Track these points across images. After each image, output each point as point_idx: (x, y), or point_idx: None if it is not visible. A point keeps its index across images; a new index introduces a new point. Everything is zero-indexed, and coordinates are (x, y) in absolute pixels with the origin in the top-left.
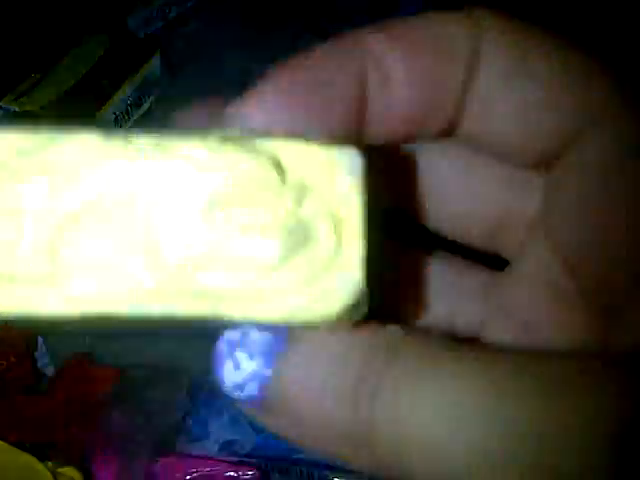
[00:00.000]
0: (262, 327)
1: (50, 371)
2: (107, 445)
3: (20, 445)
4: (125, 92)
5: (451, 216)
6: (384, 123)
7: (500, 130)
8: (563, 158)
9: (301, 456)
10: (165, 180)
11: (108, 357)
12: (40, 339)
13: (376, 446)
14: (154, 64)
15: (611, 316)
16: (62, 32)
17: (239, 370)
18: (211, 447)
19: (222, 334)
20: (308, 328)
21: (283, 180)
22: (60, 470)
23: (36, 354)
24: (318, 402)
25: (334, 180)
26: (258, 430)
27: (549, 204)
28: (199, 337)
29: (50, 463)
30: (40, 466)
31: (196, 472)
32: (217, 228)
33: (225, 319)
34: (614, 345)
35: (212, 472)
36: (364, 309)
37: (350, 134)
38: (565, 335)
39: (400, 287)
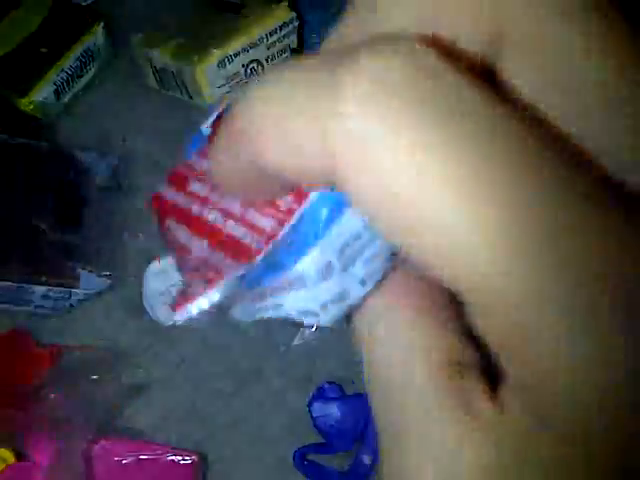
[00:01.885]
0: None
1: None
2: (42, 427)
3: None
4: (66, 62)
5: None
6: None
7: None
8: None
9: None
10: None
11: (45, 336)
12: None
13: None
14: (97, 33)
15: None
16: None
17: None
18: None
19: None
20: None
21: None
22: None
23: None
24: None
25: None
26: None
27: None
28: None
29: None
30: None
31: (134, 455)
32: None
33: None
34: None
35: (151, 456)
36: None
37: None
38: None
39: None
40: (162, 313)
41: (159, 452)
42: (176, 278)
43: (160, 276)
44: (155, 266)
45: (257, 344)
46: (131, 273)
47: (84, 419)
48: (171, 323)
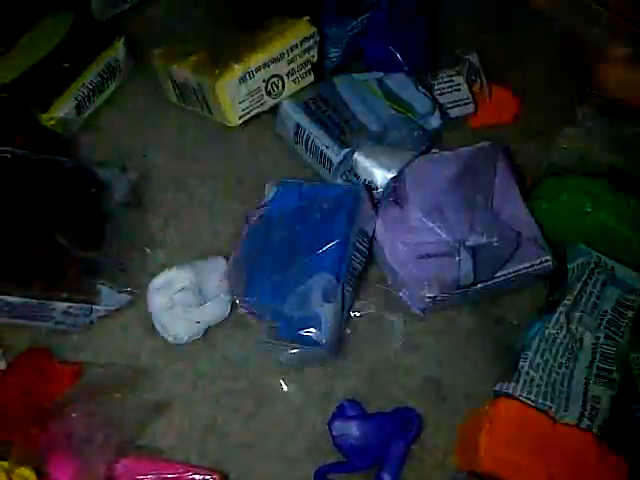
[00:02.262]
0: None
1: (2, 365)
2: (64, 445)
3: None
4: (87, 77)
5: None
6: None
7: None
8: None
9: None
10: None
11: (66, 352)
12: None
13: None
14: (118, 48)
15: None
16: (25, 6)
17: None
18: None
19: None
20: None
21: None
22: (16, 470)
23: None
24: None
25: None
26: None
27: None
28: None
29: (5, 463)
30: None
31: (156, 474)
32: None
33: None
34: None
35: (173, 475)
36: None
37: None
38: None
39: None
40: (175, 327)
41: (180, 471)
42: (177, 287)
43: (163, 290)
44: (158, 281)
45: (277, 360)
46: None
47: (105, 438)
48: (185, 340)
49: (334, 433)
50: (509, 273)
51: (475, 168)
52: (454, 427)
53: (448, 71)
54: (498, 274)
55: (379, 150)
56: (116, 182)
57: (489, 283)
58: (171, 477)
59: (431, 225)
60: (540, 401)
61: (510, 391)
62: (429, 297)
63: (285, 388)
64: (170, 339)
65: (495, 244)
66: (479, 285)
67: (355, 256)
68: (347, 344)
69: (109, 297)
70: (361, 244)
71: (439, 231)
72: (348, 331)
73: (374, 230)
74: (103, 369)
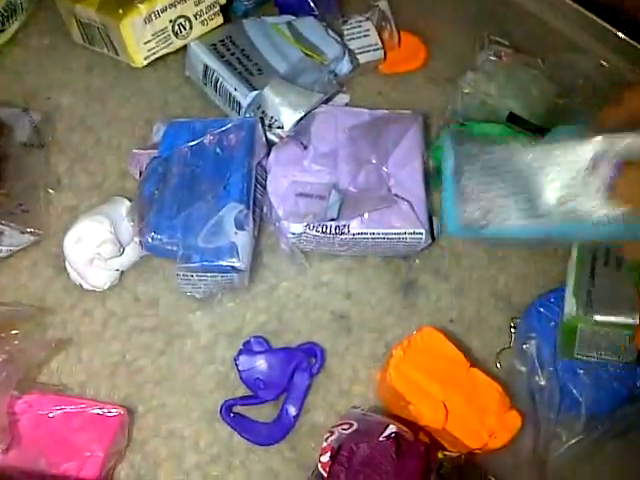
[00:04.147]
0: None
1: None
2: None
3: None
4: None
5: None
6: None
7: None
8: None
9: None
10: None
11: None
12: None
13: None
14: None
15: None
16: None
17: None
18: None
19: None
20: None
21: None
22: None
23: None
24: None
25: None
26: None
27: None
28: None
29: None
30: None
31: (59, 409)
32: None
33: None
34: None
35: (76, 409)
36: None
37: None
38: None
39: None
40: (97, 279)
41: (84, 405)
42: (97, 240)
43: (81, 243)
44: (73, 233)
45: (187, 298)
46: (57, 229)
47: (7, 375)
48: (109, 286)
49: (240, 368)
50: (380, 234)
51: (383, 130)
52: (359, 356)
53: (358, 17)
54: (368, 234)
55: (289, 88)
56: (17, 122)
57: (361, 241)
58: (74, 411)
59: (319, 168)
60: None
61: None
62: (292, 233)
63: (195, 325)
64: (88, 287)
65: (367, 195)
66: (348, 236)
67: (257, 187)
68: (258, 279)
69: (12, 237)
70: (260, 175)
71: (325, 175)
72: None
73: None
74: (5, 307)
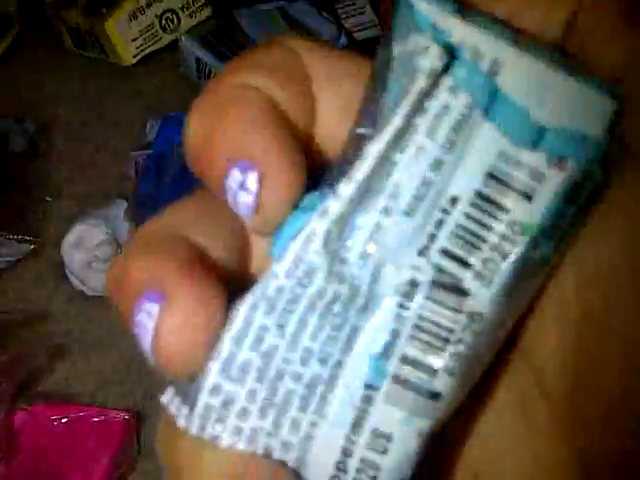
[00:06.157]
0: None
1: None
2: None
3: None
4: None
5: None
6: None
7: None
8: None
9: None
10: None
11: None
12: None
13: None
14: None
15: None
16: None
17: None
18: None
19: None
20: None
21: None
22: None
23: None
24: None
25: None
26: None
27: None
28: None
29: None
30: None
31: (62, 417)
32: None
33: None
34: None
35: (80, 417)
36: None
37: None
38: None
39: None
40: (97, 282)
41: (88, 412)
42: (94, 243)
43: (79, 246)
44: (71, 237)
45: None
46: (58, 238)
47: (6, 382)
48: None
49: None
50: None
51: None
52: None
53: None
54: None
55: None
56: (12, 133)
57: None
58: (78, 419)
59: None
60: None
61: None
62: None
63: None
64: (90, 292)
65: None
66: None
67: None
68: None
69: (9, 247)
70: None
71: None
72: None
73: None
74: (6, 315)
